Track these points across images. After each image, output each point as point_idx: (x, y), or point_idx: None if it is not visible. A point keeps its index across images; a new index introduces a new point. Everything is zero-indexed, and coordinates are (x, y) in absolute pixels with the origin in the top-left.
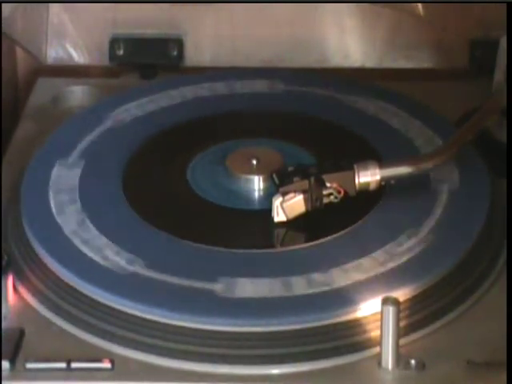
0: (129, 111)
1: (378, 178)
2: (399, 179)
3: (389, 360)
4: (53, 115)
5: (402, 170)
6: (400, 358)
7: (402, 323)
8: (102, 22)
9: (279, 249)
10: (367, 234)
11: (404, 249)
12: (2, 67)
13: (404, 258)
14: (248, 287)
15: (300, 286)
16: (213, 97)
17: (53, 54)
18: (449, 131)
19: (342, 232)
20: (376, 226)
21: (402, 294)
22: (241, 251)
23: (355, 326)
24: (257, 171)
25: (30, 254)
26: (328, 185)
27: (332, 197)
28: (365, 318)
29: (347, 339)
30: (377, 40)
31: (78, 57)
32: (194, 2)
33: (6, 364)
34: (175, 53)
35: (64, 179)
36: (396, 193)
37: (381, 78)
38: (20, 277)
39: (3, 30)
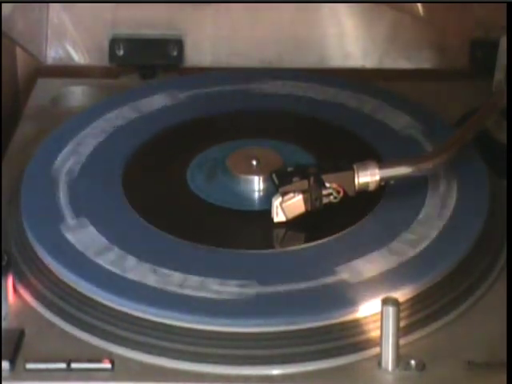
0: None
1: (377, 178)
2: (399, 179)
3: (389, 360)
4: (53, 115)
5: (402, 170)
6: (400, 359)
7: (402, 323)
8: (102, 22)
9: (275, 250)
10: (367, 235)
11: (403, 249)
12: (2, 67)
13: (404, 259)
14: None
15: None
16: (213, 97)
17: (53, 54)
18: (448, 131)
19: (342, 232)
20: (375, 227)
21: (401, 293)
22: (230, 251)
23: (355, 326)
24: (257, 171)
25: (29, 254)
26: (327, 185)
27: (331, 197)
28: (365, 318)
29: (347, 339)
30: (377, 40)
31: (77, 57)
32: (193, 2)
33: (6, 364)
34: (175, 53)
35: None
36: (395, 193)
37: (381, 78)
38: (20, 277)
39: (3, 30)
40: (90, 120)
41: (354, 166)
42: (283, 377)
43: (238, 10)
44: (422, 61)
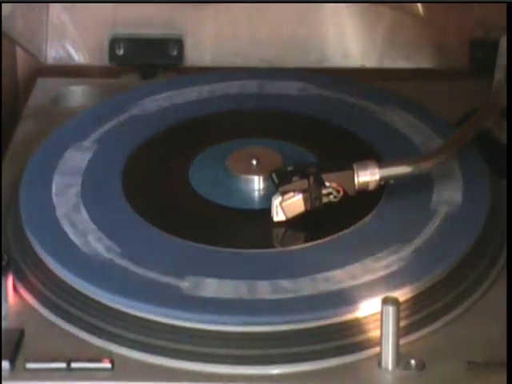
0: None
1: (377, 177)
2: (399, 179)
3: (389, 360)
4: (53, 115)
5: (402, 169)
6: (400, 358)
7: (402, 323)
8: (102, 22)
9: (275, 249)
10: (366, 234)
11: (403, 249)
12: (2, 67)
13: (404, 258)
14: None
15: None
16: (213, 97)
17: (53, 54)
18: (448, 131)
19: (342, 232)
20: (375, 227)
21: (401, 293)
22: (229, 250)
23: (355, 325)
24: (257, 171)
25: (29, 254)
26: (327, 184)
27: (331, 196)
28: (365, 318)
29: (347, 339)
30: (377, 40)
31: (78, 57)
32: (194, 2)
33: (6, 364)
34: (175, 53)
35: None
36: (395, 193)
37: (381, 78)
38: (20, 277)
39: (3, 30)
40: (91, 120)
41: (354, 166)
42: (283, 377)
43: (239, 9)
44: (421, 61)
